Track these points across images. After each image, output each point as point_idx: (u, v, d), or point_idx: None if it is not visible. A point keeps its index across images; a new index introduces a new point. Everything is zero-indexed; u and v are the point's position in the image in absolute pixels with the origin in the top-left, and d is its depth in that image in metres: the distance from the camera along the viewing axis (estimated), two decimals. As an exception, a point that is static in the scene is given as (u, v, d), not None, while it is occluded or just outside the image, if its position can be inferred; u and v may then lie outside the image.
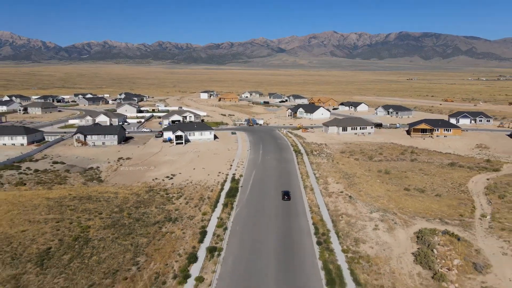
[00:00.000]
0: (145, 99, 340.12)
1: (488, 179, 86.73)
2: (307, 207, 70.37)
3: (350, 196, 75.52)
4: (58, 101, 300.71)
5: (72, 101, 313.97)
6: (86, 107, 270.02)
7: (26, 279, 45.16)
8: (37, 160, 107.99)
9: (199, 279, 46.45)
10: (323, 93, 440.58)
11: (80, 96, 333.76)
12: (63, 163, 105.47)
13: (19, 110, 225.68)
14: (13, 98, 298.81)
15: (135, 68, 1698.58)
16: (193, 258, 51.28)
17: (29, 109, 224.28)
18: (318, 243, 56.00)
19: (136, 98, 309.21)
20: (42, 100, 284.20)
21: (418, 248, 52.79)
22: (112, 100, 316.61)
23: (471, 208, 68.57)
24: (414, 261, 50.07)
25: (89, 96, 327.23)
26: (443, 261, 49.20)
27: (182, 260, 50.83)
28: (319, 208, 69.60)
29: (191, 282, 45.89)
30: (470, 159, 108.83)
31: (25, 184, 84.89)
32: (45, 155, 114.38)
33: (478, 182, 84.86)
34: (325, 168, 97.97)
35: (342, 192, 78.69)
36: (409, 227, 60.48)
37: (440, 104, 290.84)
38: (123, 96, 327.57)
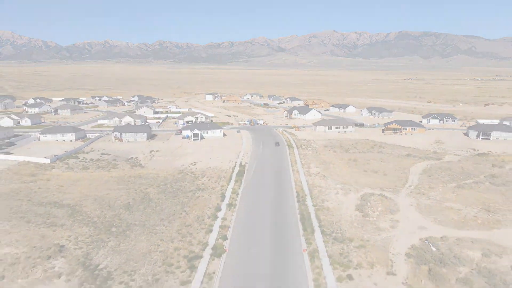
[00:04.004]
0: (156, 101, 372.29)
1: (427, 165, 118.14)
2: (293, 182, 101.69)
3: (324, 175, 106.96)
4: (79, 103, 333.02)
5: (91, 103, 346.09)
6: (106, 108, 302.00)
7: (122, 216, 76.66)
8: (87, 152, 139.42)
9: (224, 219, 77.70)
10: (320, 95, 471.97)
11: (97, 98, 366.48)
12: (109, 154, 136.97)
13: (50, 112, 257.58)
14: (37, 100, 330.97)
15: (137, 68, 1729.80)
16: (218, 209, 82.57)
17: (59, 111, 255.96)
18: (298, 201, 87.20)
19: (149, 100, 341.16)
20: (65, 103, 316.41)
21: (359, 203, 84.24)
22: (127, 102, 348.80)
23: (404, 182, 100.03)
24: (355, 209, 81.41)
25: (105, 98, 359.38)
26: (372, 208, 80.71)
27: (211, 210, 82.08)
28: (301, 183, 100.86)
29: (219, 220, 77.04)
30: (423, 152, 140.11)
31: (88, 168, 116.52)
32: (92, 148, 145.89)
33: (419, 167, 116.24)
34: (310, 158, 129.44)
35: (319, 173, 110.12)
36: (358, 192, 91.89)
37: (423, 106, 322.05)
38: (136, 98, 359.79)
